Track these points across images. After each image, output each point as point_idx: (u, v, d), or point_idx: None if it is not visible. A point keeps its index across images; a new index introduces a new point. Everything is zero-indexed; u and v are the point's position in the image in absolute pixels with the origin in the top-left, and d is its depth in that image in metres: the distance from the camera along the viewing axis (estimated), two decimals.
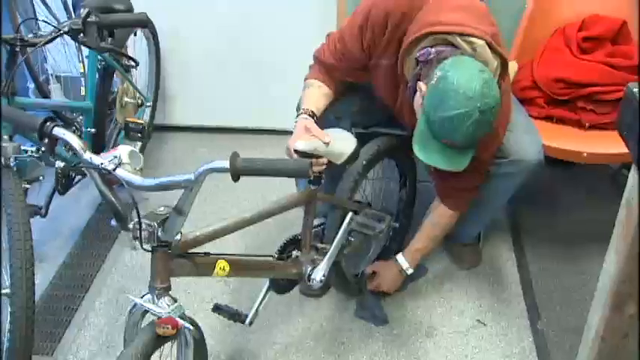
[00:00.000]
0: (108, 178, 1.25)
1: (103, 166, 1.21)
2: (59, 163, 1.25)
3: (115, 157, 1.22)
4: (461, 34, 1.55)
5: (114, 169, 1.21)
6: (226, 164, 1.15)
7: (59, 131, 1.22)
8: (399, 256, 2.05)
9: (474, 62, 1.51)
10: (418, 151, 1.58)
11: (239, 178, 1.15)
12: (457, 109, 1.46)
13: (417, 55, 1.60)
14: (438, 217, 1.97)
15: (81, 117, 2.35)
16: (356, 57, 1.78)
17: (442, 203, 1.95)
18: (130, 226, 1.26)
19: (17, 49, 1.81)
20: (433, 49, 1.56)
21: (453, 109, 1.46)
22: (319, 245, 1.84)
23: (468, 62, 1.51)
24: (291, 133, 1.72)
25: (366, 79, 1.85)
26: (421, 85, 1.57)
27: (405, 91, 1.73)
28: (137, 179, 1.22)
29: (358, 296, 2.15)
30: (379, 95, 1.88)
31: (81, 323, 2.09)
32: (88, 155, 1.23)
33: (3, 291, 1.70)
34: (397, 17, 1.66)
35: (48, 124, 1.21)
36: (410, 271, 2.05)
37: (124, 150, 1.23)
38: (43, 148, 1.23)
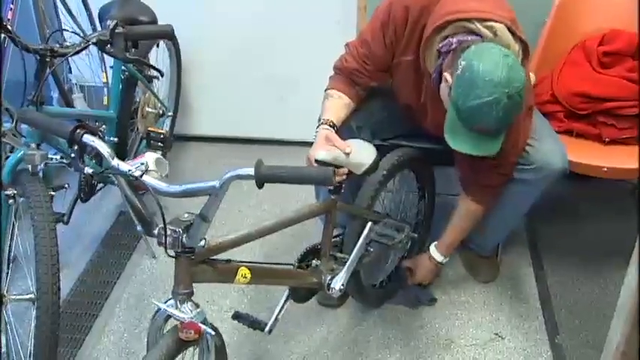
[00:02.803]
0: (134, 184, 1.28)
1: (130, 172, 1.24)
2: (88, 169, 1.28)
3: (142, 163, 1.24)
4: (480, 20, 1.56)
5: (141, 176, 1.23)
6: (251, 171, 1.16)
7: (89, 138, 1.25)
8: (432, 249, 2.06)
9: (497, 48, 1.52)
10: (449, 139, 1.59)
11: (263, 185, 1.17)
12: (485, 97, 1.47)
13: (439, 46, 1.62)
14: (465, 210, 1.97)
15: (104, 126, 2.38)
16: (380, 57, 1.80)
17: (467, 197, 1.95)
18: (155, 231, 1.28)
19: (47, 59, 1.85)
20: (454, 39, 1.58)
21: (481, 97, 1.48)
22: (338, 255, 1.85)
23: (491, 48, 1.52)
24: (310, 143, 1.74)
25: (389, 80, 1.87)
26: (447, 75, 1.58)
27: (429, 86, 1.74)
28: (163, 186, 1.24)
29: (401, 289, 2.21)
30: (401, 95, 1.89)
31: (101, 330, 2.11)
32: (115, 162, 1.26)
33: (28, 296, 1.74)
34: (417, 11, 1.69)
35: (78, 131, 1.25)
36: (445, 261, 2.07)
37: (150, 157, 1.26)
38: (72, 155, 1.26)
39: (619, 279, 1.38)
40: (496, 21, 1.57)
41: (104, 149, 1.25)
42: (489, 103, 1.48)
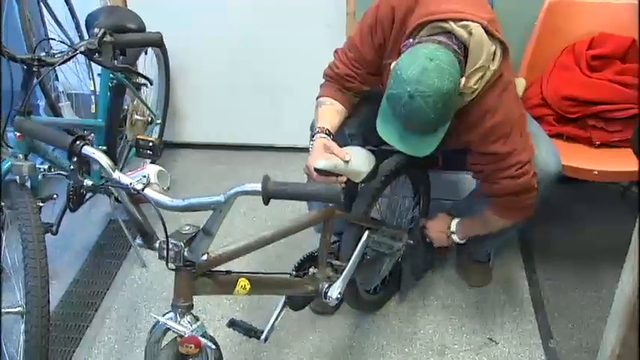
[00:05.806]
0: (134, 197, 1.25)
1: (132, 185, 1.21)
2: (87, 182, 1.25)
3: (144, 176, 1.22)
4: (455, 20, 1.56)
5: (142, 189, 1.21)
6: (258, 187, 1.14)
7: (88, 150, 1.22)
8: (454, 221, 2.06)
9: (429, 49, 1.50)
10: (378, 126, 1.61)
11: (269, 201, 1.15)
12: (393, 90, 1.51)
13: (400, 46, 1.62)
14: (487, 214, 1.93)
15: (92, 135, 2.35)
16: (369, 60, 1.80)
17: (490, 210, 1.91)
18: (157, 245, 1.26)
19: (34, 68, 1.81)
20: (416, 40, 1.58)
21: (392, 88, 1.51)
22: (335, 262, 1.84)
23: (423, 48, 1.51)
24: (302, 149, 1.72)
25: (380, 84, 1.87)
26: (391, 67, 1.59)
27: None
28: (166, 200, 1.21)
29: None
30: None
31: (92, 341, 2.08)
32: (117, 174, 1.23)
33: (17, 309, 1.70)
34: (402, 11, 1.70)
35: (78, 142, 1.22)
36: (454, 237, 2.06)
37: (152, 169, 1.23)
38: (72, 167, 1.23)
39: (612, 281, 1.38)
40: (471, 20, 1.57)
41: (104, 161, 1.22)
42: (394, 97, 1.51)
